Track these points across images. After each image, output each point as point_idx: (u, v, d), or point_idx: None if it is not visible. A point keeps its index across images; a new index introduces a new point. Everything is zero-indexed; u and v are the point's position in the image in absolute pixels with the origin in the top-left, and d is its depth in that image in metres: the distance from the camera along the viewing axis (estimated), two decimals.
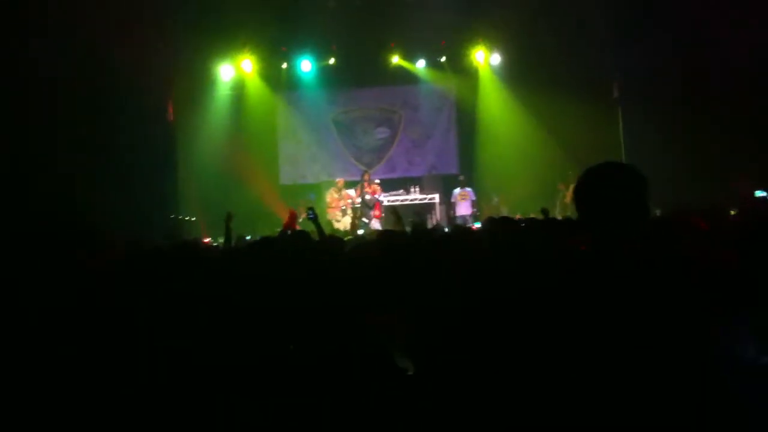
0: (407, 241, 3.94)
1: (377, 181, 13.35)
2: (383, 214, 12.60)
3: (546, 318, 1.83)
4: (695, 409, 1.59)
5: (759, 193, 8.23)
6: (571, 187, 12.73)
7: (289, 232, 5.77)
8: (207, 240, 9.97)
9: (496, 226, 3.42)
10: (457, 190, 13.73)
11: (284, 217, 10.31)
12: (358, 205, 12.89)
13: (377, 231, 6.73)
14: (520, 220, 4.97)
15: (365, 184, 12.87)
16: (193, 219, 12.49)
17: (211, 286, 3.11)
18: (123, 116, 10.79)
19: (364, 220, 12.57)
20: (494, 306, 2.25)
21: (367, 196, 12.70)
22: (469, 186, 13.70)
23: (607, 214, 1.87)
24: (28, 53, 9.15)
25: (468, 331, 2.32)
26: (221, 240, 8.58)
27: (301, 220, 9.81)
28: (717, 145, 10.67)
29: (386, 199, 13.30)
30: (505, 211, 12.80)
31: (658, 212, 5.73)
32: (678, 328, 1.67)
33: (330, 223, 12.26)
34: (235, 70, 14.28)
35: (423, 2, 13.06)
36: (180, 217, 12.53)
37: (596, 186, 1.93)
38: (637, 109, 12.11)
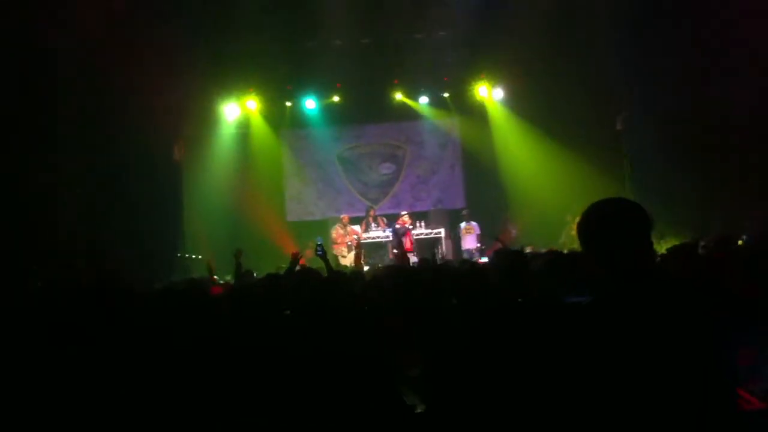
0: (421, 279, 3.94)
1: (403, 213, 13.35)
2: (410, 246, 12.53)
3: (551, 365, 1.83)
4: None
5: None
6: (578, 219, 12.76)
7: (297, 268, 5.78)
8: (215, 278, 9.96)
9: (506, 262, 3.41)
10: (462, 224, 13.74)
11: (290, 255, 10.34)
12: (364, 240, 12.90)
13: (388, 267, 6.70)
14: (529, 254, 4.97)
15: (378, 217, 12.94)
16: (200, 257, 12.49)
17: (220, 326, 3.11)
18: (130, 156, 10.91)
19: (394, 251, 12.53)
20: (504, 351, 2.25)
21: (397, 226, 12.74)
22: (474, 220, 13.71)
23: (610, 252, 1.87)
24: (38, 91, 9.30)
25: (478, 373, 2.32)
26: (228, 277, 8.59)
27: (303, 255, 9.81)
28: (722, 178, 10.68)
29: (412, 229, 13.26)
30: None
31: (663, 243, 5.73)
32: (695, 364, 1.66)
33: (335, 259, 12.25)
34: (241, 109, 14.44)
35: (426, 40, 13.26)
36: (186, 255, 12.54)
37: (598, 223, 1.93)
38: (642, 140, 12.13)
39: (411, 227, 12.88)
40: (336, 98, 14.44)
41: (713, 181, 10.80)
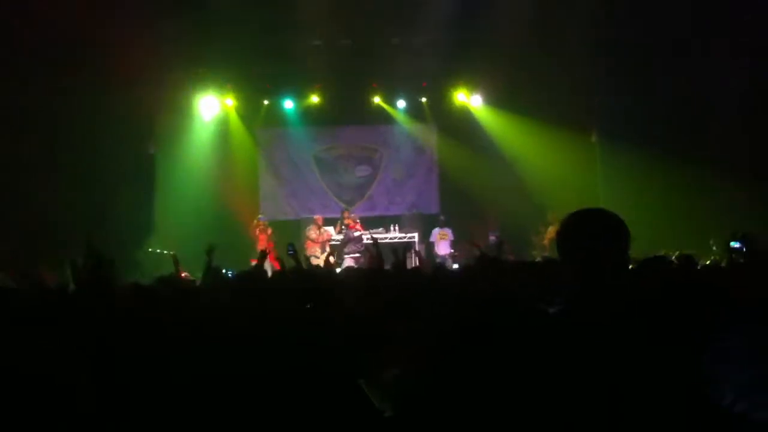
0: (393, 282, 3.93)
1: (357, 218, 13.34)
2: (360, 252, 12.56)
3: (512, 374, 1.83)
4: None
5: (734, 244, 8.26)
6: (550, 228, 12.91)
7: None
8: (185, 274, 9.83)
9: (487, 270, 3.41)
10: (436, 230, 13.77)
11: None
12: (337, 243, 12.88)
13: (361, 269, 6.67)
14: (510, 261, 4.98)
15: (349, 221, 12.91)
16: (171, 253, 12.31)
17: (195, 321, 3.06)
18: (103, 148, 10.76)
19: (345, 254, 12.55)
20: (477, 361, 2.24)
21: (350, 231, 12.75)
22: (449, 226, 13.74)
23: (588, 261, 1.87)
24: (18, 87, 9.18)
25: (449, 380, 2.31)
26: (199, 275, 8.48)
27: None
28: (694, 192, 10.90)
29: (365, 236, 13.26)
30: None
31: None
32: (660, 374, 1.67)
33: (308, 259, 12.17)
34: (218, 105, 14.32)
35: (406, 45, 13.27)
36: (158, 251, 12.38)
37: (578, 232, 1.93)
38: (616, 153, 12.31)
39: (356, 233, 12.84)
40: (314, 98, 14.38)
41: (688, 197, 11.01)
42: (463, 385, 2.20)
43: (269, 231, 12.92)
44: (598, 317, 1.80)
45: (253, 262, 6.64)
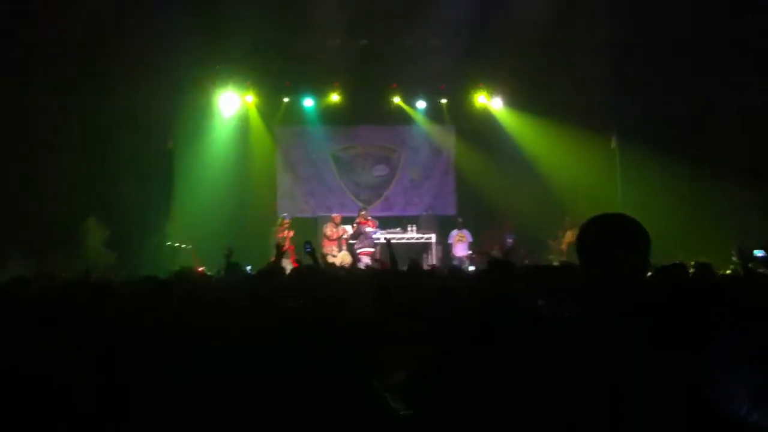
0: (403, 283, 3.93)
1: (369, 216, 13.32)
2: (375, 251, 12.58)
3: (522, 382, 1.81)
4: None
5: (758, 253, 8.10)
6: (568, 233, 12.83)
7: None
8: (201, 269, 9.92)
9: (496, 273, 3.40)
10: (454, 232, 13.75)
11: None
12: (353, 241, 12.92)
13: (372, 270, 6.68)
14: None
15: (361, 218, 12.94)
16: (189, 247, 12.42)
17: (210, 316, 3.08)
18: (123, 145, 10.88)
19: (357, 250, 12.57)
20: (484, 363, 2.22)
21: (362, 227, 12.77)
22: (466, 228, 13.72)
23: (607, 266, 1.86)
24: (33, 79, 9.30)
25: (458, 382, 2.30)
26: (213, 272, 8.54)
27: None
28: (716, 200, 10.77)
29: (383, 235, 13.26)
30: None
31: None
32: (670, 384, 1.65)
33: (324, 257, 12.21)
34: (238, 103, 14.39)
35: (426, 46, 13.26)
36: (176, 244, 12.49)
37: (600, 236, 1.92)
38: (636, 158, 12.20)
39: (368, 230, 12.82)
40: (334, 97, 14.41)
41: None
42: (463, 386, 2.20)
43: (292, 232, 12.82)
44: (605, 319, 1.79)
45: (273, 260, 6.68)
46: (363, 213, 13.20)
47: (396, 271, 5.35)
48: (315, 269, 4.72)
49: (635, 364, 1.64)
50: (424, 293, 3.46)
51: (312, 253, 5.48)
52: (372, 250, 12.54)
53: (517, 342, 1.92)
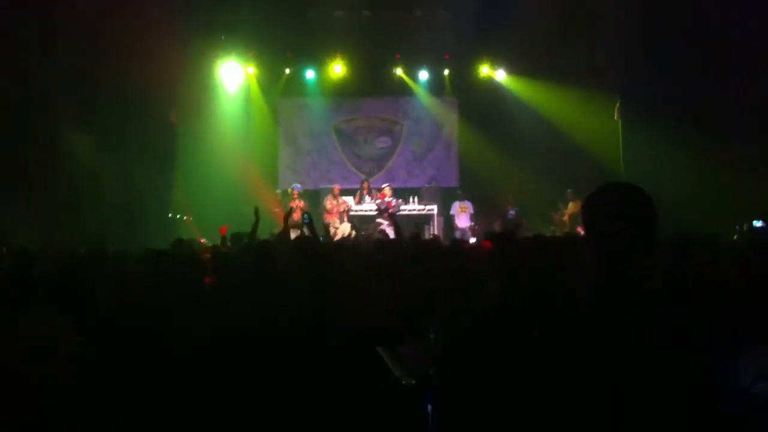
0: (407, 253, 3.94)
1: (384, 186, 13.25)
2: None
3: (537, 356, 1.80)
4: None
5: (756, 223, 8.10)
6: (570, 204, 12.82)
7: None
8: (203, 240, 9.95)
9: (501, 243, 3.40)
10: (456, 203, 13.74)
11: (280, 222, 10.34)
12: (354, 213, 12.91)
13: (375, 240, 6.70)
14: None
15: (372, 190, 12.92)
16: (189, 219, 12.45)
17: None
18: (126, 117, 10.84)
19: (380, 221, 12.48)
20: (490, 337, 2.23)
21: (378, 201, 12.72)
22: (468, 199, 13.72)
23: (614, 238, 1.82)
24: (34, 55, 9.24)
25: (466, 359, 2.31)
26: (217, 242, 8.58)
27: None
28: (718, 169, 10.69)
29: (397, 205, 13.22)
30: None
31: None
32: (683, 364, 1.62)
33: (327, 228, 12.22)
34: (239, 75, 14.30)
35: (429, 17, 13.13)
36: (177, 216, 12.51)
37: (607, 207, 1.87)
38: (640, 129, 12.11)
39: (391, 199, 12.79)
40: (335, 69, 14.31)
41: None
42: (471, 387, 2.21)
43: (302, 203, 12.50)
44: (617, 321, 1.75)
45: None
46: (366, 186, 13.22)
47: (399, 243, 5.37)
48: (310, 240, 4.74)
49: (644, 358, 1.61)
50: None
51: (310, 225, 5.53)
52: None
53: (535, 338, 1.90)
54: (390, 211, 12.29)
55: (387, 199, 12.67)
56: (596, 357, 1.67)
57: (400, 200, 12.87)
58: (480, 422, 2.13)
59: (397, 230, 6.00)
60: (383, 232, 12.04)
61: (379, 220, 12.61)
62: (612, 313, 1.75)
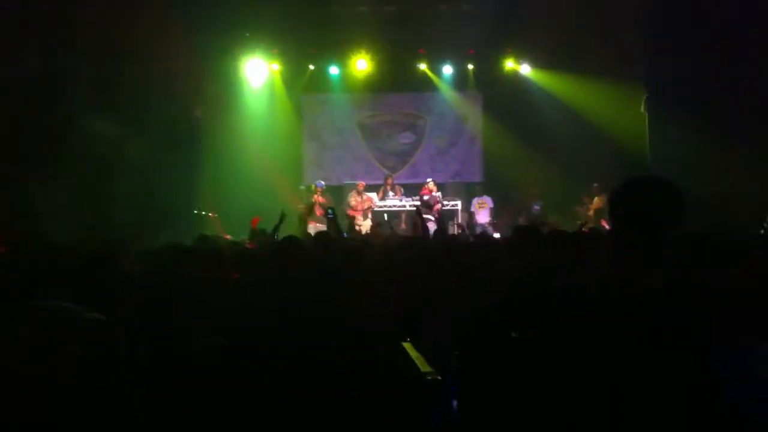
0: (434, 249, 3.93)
1: (429, 180, 13.25)
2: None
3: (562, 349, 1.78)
4: None
5: None
6: (596, 199, 12.67)
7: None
8: (228, 236, 10.02)
9: (522, 238, 3.37)
10: (475, 199, 13.70)
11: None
12: (380, 209, 12.94)
13: (402, 237, 6.69)
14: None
15: (396, 186, 12.92)
16: (214, 215, 12.54)
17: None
18: (151, 114, 10.94)
19: (429, 217, 12.46)
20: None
21: (426, 197, 12.71)
22: (491, 195, 13.66)
23: (640, 230, 1.79)
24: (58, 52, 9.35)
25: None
26: (244, 237, 8.65)
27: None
28: (748, 161, 10.48)
29: (407, 203, 13.23)
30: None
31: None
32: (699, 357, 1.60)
33: (352, 224, 12.25)
34: (264, 71, 14.38)
35: (453, 11, 13.06)
36: (203, 213, 12.61)
37: (632, 198, 1.85)
38: (667, 123, 11.92)
39: (437, 194, 12.78)
40: (359, 65, 14.32)
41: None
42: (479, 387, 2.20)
43: (323, 199, 12.51)
44: (618, 321, 1.72)
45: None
46: (390, 182, 13.28)
47: (426, 238, 5.36)
48: (331, 236, 4.74)
49: (644, 358, 1.59)
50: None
51: (333, 219, 5.53)
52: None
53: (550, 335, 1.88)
54: (437, 207, 12.33)
55: (434, 194, 12.70)
56: (596, 357, 1.66)
57: (440, 193, 12.90)
58: (480, 422, 2.13)
59: (441, 225, 6.00)
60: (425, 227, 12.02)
61: (426, 216, 12.57)
62: (612, 313, 1.73)
